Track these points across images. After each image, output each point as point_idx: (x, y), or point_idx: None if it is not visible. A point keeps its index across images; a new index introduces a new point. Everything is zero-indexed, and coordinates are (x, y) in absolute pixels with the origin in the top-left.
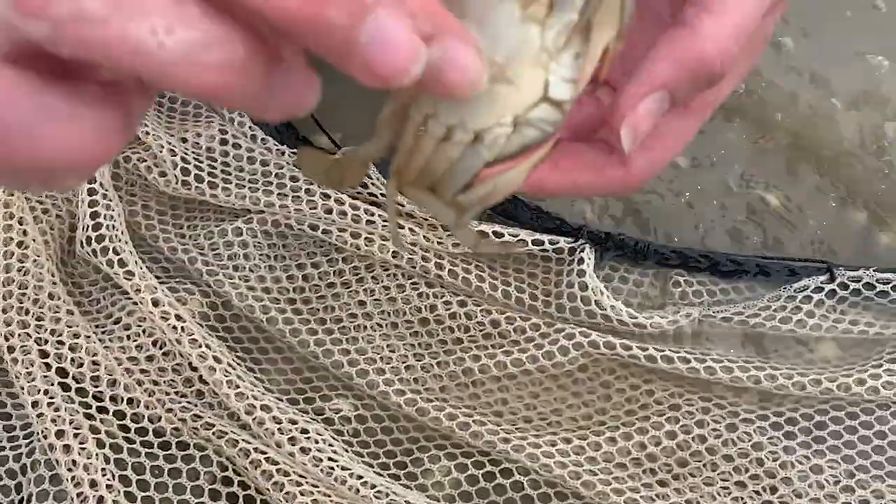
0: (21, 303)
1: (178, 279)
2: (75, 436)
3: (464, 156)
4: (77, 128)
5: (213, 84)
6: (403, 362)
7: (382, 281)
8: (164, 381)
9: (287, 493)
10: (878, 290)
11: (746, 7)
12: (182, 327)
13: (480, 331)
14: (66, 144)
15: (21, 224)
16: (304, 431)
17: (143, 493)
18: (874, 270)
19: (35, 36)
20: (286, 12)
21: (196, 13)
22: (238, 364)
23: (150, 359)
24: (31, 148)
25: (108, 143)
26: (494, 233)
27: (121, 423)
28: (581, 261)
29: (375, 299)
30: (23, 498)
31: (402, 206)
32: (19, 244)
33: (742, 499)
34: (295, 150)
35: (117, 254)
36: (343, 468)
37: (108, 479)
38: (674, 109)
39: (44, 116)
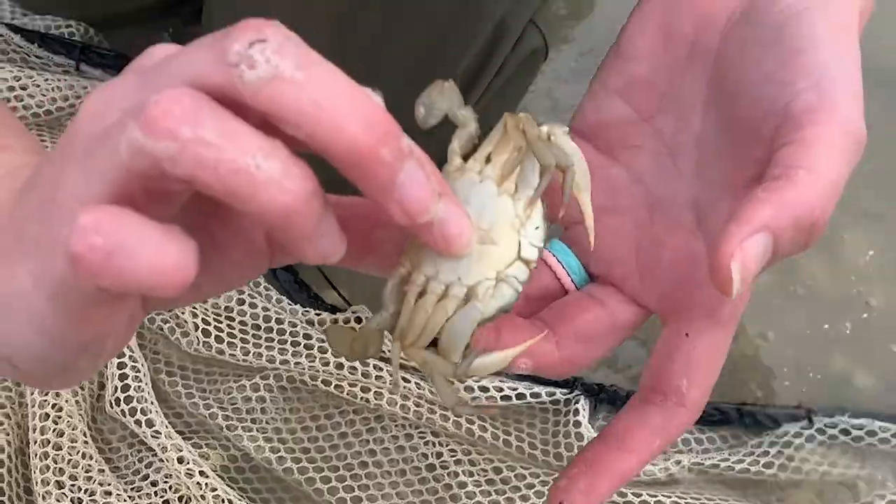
0: (56, 462)
1: (200, 434)
2: None
3: (460, 313)
4: (166, 252)
5: (286, 207)
6: None
7: (391, 431)
8: None
9: None
10: (853, 434)
11: (838, 166)
12: (206, 483)
13: (483, 477)
14: (155, 267)
15: None
16: None
17: None
18: (849, 416)
19: (160, 154)
20: (355, 143)
21: (282, 148)
22: None
23: None
24: (134, 264)
25: (188, 271)
26: (494, 387)
27: None
28: (576, 412)
29: (384, 448)
30: None
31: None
32: (53, 406)
33: None
34: (307, 309)
35: (144, 414)
36: None
37: None
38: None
39: (143, 239)
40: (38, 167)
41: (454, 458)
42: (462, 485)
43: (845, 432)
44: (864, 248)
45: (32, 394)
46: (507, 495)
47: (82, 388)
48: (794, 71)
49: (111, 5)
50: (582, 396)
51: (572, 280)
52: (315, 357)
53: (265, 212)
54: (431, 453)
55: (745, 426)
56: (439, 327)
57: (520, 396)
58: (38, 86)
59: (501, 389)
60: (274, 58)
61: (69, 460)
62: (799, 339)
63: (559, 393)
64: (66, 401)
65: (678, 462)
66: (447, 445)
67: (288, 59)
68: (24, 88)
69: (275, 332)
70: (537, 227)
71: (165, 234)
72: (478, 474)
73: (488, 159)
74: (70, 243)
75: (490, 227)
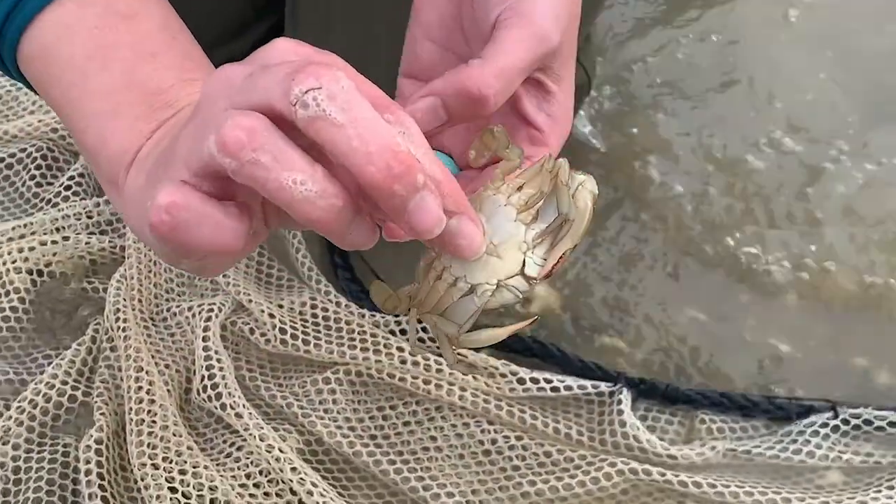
0: (151, 446)
1: (277, 420)
2: None
3: (462, 300)
4: (207, 217)
5: (317, 217)
6: (470, 487)
7: (450, 420)
8: (274, 501)
9: None
10: (875, 425)
11: (511, 58)
12: (284, 458)
13: (535, 460)
14: (213, 238)
15: (148, 375)
16: None
17: None
18: (872, 408)
19: (225, 166)
20: (374, 178)
21: (321, 173)
22: (331, 488)
23: (257, 485)
24: (193, 237)
25: (237, 243)
26: (545, 379)
27: None
28: (619, 402)
29: (444, 435)
30: None
31: (465, 357)
32: (147, 391)
33: None
34: (373, 313)
35: (230, 396)
36: None
37: None
38: None
39: (204, 220)
40: (193, 110)
41: (508, 444)
42: (516, 468)
43: (868, 422)
44: None
45: (128, 381)
46: (556, 475)
47: (171, 380)
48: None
49: (210, 52)
50: (625, 388)
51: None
52: (381, 352)
53: (301, 219)
54: (487, 440)
55: (775, 417)
56: (446, 305)
57: (567, 388)
58: None
59: (551, 381)
60: (323, 103)
61: (161, 437)
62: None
63: (603, 386)
64: (159, 388)
65: (713, 448)
66: (501, 432)
67: (335, 105)
68: None
69: (344, 332)
70: (545, 253)
71: (222, 216)
72: (529, 458)
73: (521, 188)
74: (149, 215)
75: (500, 243)
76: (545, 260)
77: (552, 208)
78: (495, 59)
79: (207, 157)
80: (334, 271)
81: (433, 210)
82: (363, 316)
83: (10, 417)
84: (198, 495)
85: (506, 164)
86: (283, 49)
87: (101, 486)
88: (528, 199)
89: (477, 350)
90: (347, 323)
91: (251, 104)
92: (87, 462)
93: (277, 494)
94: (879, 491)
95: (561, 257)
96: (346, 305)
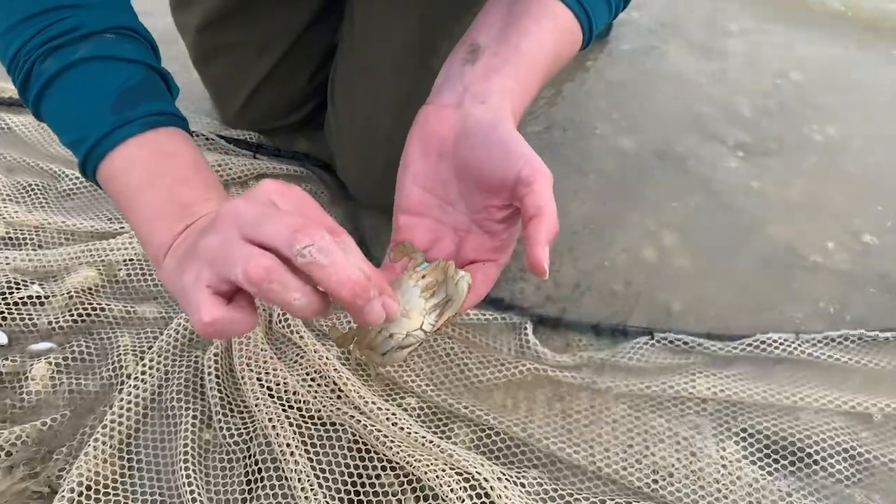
0: (247, 351)
1: (322, 340)
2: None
3: (385, 340)
4: (236, 321)
5: (303, 315)
6: (435, 378)
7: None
8: (323, 389)
9: None
10: (674, 342)
11: (552, 199)
12: (329, 362)
13: (477, 361)
14: (234, 327)
15: None
16: None
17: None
18: (672, 332)
19: (249, 289)
20: (344, 299)
21: (310, 288)
22: (356, 379)
23: (313, 380)
24: (229, 333)
25: (253, 327)
26: (482, 312)
27: (301, 414)
28: (525, 328)
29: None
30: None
31: (385, 371)
32: None
33: None
34: None
35: (296, 326)
36: None
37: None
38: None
39: (228, 316)
40: (209, 225)
41: (461, 351)
42: (465, 365)
43: (669, 340)
44: None
45: None
46: (491, 370)
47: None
48: (514, 156)
49: (274, 123)
50: (528, 320)
51: None
52: None
53: (294, 315)
54: (447, 348)
55: (615, 338)
56: (376, 344)
57: (495, 318)
58: (231, 167)
59: (486, 314)
60: (314, 254)
61: (253, 351)
62: None
63: (517, 318)
64: None
65: (580, 355)
66: (455, 344)
67: (321, 254)
68: (222, 165)
69: None
70: (437, 317)
71: (237, 312)
72: (473, 360)
73: (424, 276)
74: (195, 321)
75: (409, 309)
76: (436, 320)
77: (440, 292)
78: (549, 205)
79: (233, 278)
80: None
81: (378, 311)
82: None
83: (163, 339)
84: (276, 386)
85: (413, 262)
86: (270, 188)
87: (217, 382)
88: (428, 284)
89: (388, 367)
90: None
91: (261, 242)
92: (209, 366)
93: (325, 385)
94: (680, 375)
95: (447, 319)
96: None
